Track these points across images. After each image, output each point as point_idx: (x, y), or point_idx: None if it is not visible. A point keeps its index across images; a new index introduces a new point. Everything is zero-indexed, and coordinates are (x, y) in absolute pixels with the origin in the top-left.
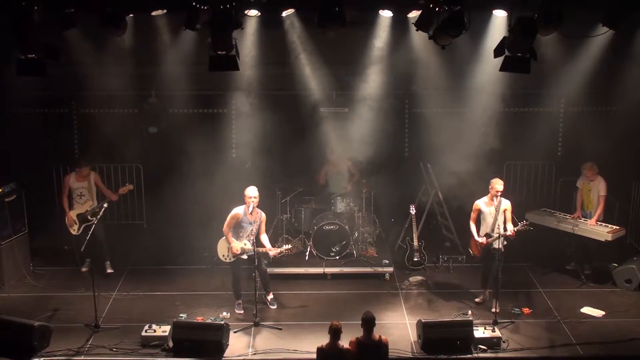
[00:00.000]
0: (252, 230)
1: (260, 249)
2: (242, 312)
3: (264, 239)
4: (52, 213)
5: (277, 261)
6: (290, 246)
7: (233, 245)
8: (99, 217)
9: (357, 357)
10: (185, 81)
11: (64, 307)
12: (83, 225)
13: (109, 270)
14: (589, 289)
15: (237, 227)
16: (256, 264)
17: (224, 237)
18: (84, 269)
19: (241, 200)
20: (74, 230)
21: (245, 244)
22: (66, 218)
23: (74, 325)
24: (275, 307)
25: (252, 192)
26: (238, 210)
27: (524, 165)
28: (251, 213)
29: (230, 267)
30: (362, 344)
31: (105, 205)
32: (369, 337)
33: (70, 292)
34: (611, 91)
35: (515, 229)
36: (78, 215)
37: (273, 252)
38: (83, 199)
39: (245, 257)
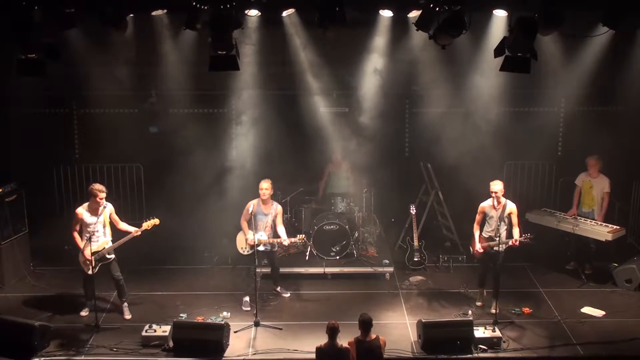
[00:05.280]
0: (267, 221)
1: (276, 240)
2: (248, 309)
3: (280, 230)
4: (52, 213)
5: (278, 261)
6: (303, 235)
7: (248, 237)
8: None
9: (355, 356)
10: (185, 81)
11: (64, 307)
12: (99, 264)
13: (127, 316)
14: (589, 289)
15: (253, 219)
16: (265, 262)
17: (242, 230)
18: (83, 314)
19: (242, 199)
20: (89, 270)
21: (261, 235)
22: (80, 256)
23: (74, 325)
24: (288, 294)
25: (263, 183)
26: (251, 202)
27: (524, 165)
28: (265, 205)
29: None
30: (360, 343)
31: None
32: (366, 337)
33: (70, 292)
34: (611, 91)
35: (519, 239)
36: (94, 254)
37: (287, 242)
38: (97, 235)
39: (262, 248)
